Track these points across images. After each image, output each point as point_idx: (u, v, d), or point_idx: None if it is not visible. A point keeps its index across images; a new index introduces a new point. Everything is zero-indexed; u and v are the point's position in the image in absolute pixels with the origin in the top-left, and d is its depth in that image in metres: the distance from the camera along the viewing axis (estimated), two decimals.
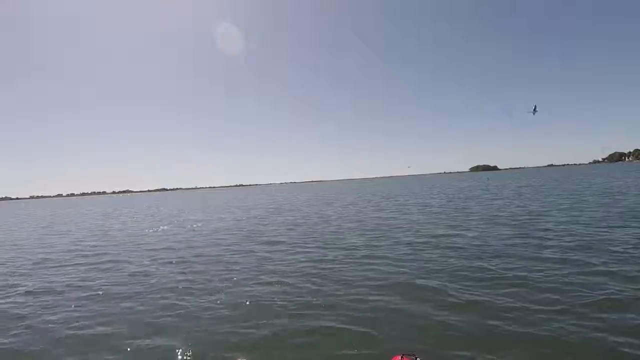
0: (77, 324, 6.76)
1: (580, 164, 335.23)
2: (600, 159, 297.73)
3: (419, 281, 8.13)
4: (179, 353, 5.39)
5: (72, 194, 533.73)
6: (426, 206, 26.28)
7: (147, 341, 5.86)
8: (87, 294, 8.62)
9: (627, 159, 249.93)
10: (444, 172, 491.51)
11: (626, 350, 4.87)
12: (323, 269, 9.73)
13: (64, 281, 9.88)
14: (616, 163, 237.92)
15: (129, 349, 5.65)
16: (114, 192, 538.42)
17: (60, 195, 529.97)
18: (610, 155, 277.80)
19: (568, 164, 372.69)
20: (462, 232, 13.94)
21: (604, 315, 5.83)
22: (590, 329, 5.43)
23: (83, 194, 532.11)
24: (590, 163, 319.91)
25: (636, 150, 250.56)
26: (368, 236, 14.53)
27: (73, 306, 7.75)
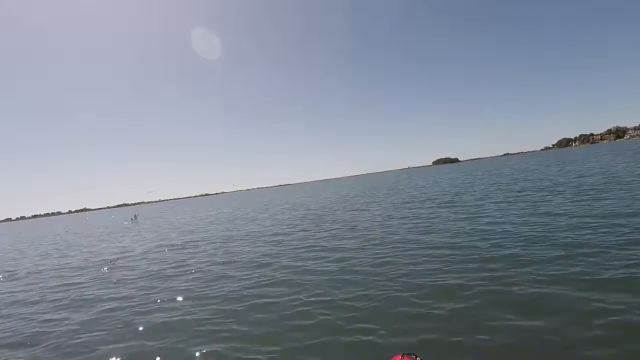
0: None
1: (534, 151, 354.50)
2: (550, 145, 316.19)
3: (418, 278, 7.47)
4: None
5: (23, 217, 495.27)
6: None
7: None
8: None
9: (574, 144, 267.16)
10: (409, 167, 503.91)
11: None
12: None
13: None
14: (565, 148, 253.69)
15: None
16: (69, 212, 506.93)
17: (9, 220, 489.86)
18: (559, 141, 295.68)
19: (523, 152, 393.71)
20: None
21: None
22: None
23: (35, 216, 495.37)
24: (542, 150, 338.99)
25: (581, 135, 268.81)
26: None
27: None
